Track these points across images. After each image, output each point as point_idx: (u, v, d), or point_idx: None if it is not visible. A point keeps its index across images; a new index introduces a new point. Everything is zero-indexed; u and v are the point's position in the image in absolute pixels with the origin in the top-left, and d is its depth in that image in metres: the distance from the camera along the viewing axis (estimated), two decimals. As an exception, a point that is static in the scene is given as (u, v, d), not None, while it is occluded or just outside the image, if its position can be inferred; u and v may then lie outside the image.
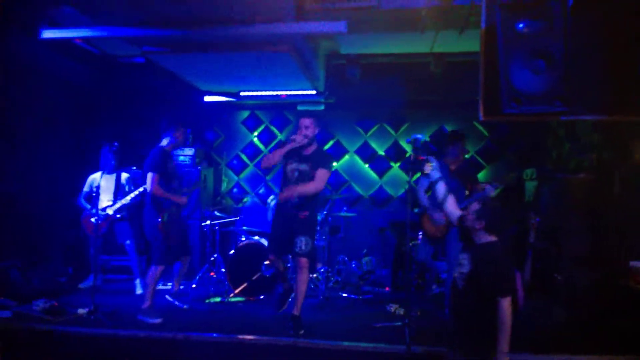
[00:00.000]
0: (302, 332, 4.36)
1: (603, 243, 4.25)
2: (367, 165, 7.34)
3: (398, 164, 7.28)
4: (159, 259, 4.78)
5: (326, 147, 7.43)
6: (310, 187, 4.54)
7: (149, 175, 4.72)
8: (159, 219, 4.74)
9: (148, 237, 4.90)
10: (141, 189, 5.60)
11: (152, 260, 4.85)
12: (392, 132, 7.33)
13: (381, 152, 7.34)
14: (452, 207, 3.27)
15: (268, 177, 7.55)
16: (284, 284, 5.00)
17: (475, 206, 3.06)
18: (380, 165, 7.33)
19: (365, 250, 6.42)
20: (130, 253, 5.99)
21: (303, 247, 4.55)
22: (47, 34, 4.80)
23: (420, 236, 5.57)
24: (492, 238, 3.05)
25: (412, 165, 3.31)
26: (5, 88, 5.45)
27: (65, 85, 6.40)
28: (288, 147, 4.55)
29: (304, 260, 4.56)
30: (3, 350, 4.33)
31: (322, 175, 4.57)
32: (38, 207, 6.00)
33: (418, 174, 6.87)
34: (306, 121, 4.56)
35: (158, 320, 4.64)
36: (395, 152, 7.29)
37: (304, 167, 4.60)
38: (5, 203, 5.50)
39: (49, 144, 6.22)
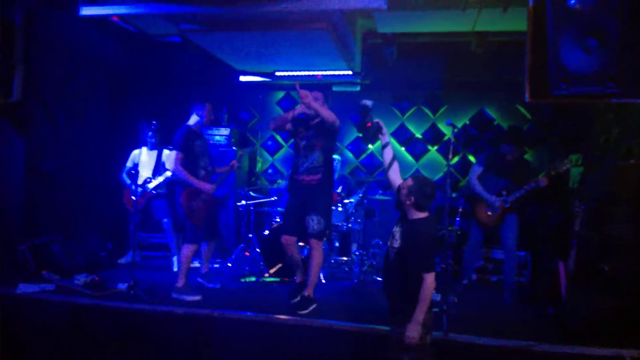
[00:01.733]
0: (305, 312, 4.26)
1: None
2: (403, 149, 7.21)
3: (436, 148, 7.12)
4: (189, 238, 4.84)
5: (362, 128, 7.32)
6: (325, 111, 4.38)
7: (172, 154, 4.79)
8: (180, 199, 4.75)
9: (180, 216, 4.94)
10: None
11: (185, 239, 4.91)
12: (430, 114, 7.16)
13: (418, 135, 7.19)
14: (394, 174, 3.30)
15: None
16: (297, 275, 4.77)
17: (409, 182, 3.08)
18: (417, 149, 7.18)
19: (400, 235, 6.34)
20: (167, 231, 6.09)
21: (315, 227, 4.36)
22: (86, 10, 4.83)
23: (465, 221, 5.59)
24: (423, 215, 3.08)
25: (367, 133, 3.34)
26: (45, 68, 5.56)
27: (102, 64, 6.50)
28: (298, 110, 4.55)
29: (313, 242, 4.42)
30: (46, 322, 4.49)
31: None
32: (77, 184, 6.16)
33: (456, 158, 6.82)
34: (317, 93, 4.57)
35: (197, 297, 4.67)
36: (433, 135, 7.12)
37: (310, 134, 4.58)
38: (47, 180, 5.66)
39: (87, 122, 6.34)
